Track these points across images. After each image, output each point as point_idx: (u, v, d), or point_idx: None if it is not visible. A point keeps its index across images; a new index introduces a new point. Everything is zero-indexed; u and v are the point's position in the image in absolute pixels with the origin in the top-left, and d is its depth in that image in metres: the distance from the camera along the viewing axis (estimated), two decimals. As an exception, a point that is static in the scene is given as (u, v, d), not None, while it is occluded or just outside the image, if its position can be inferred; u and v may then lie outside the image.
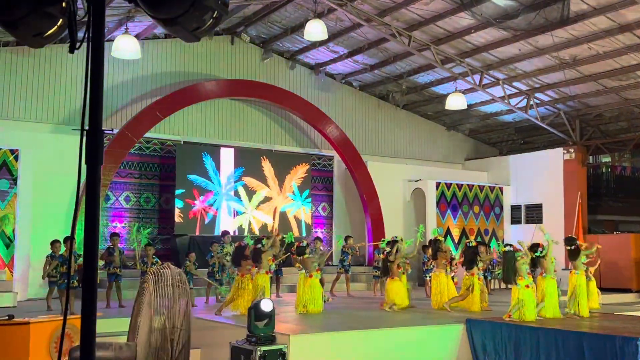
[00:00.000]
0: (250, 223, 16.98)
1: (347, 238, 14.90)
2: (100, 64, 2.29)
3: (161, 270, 4.67)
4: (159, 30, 15.71)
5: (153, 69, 16.23)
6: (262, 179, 17.34)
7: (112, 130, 14.95)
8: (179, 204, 16.02)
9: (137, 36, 14.52)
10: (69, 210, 14.24)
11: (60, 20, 2.38)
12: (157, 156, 16.28)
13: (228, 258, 12.61)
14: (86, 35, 2.35)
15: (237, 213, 16.90)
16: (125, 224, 15.65)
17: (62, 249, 11.47)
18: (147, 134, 15.69)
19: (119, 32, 14.13)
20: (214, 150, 16.62)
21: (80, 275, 11.74)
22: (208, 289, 12.80)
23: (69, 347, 6.03)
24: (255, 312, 7.52)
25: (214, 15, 2.35)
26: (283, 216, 17.57)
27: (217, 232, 15.88)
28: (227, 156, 16.83)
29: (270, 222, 17.28)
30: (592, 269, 11.80)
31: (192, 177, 16.25)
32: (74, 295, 10.30)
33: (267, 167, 17.44)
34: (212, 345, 8.90)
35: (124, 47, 13.61)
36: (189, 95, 16.10)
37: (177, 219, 15.93)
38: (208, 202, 16.46)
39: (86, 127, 2.32)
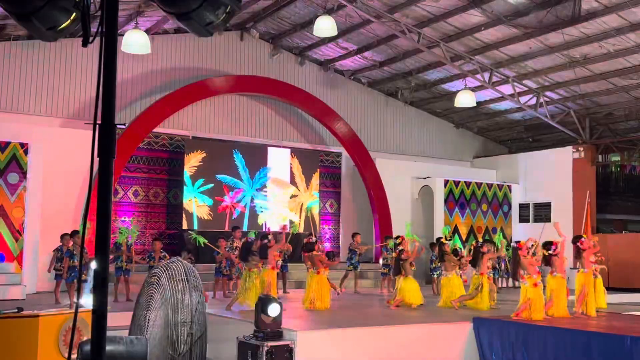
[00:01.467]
0: (276, 219, 17.30)
1: (354, 235, 14.89)
2: (114, 58, 2.29)
3: (170, 265, 4.67)
4: (169, 25, 15.73)
5: (162, 64, 16.25)
6: (290, 177, 17.66)
7: (124, 124, 14.99)
8: (207, 201, 16.32)
9: (146, 31, 14.54)
10: (78, 204, 14.30)
11: (74, 14, 2.38)
12: (165, 151, 16.32)
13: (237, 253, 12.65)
14: (99, 30, 2.35)
15: (264, 209, 17.23)
16: (133, 218, 15.70)
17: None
18: (156, 129, 15.73)
19: (128, 27, 14.15)
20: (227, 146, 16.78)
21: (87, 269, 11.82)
22: (215, 284, 12.83)
23: (77, 341, 6.05)
24: (263, 308, 7.53)
25: (227, 10, 2.35)
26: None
27: (245, 227, 16.22)
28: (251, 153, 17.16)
29: (296, 220, 17.60)
30: (598, 267, 11.72)
31: (221, 176, 16.59)
32: (82, 289, 10.36)
33: (295, 165, 17.77)
34: (218, 340, 8.91)
35: (133, 42, 13.62)
36: (198, 90, 16.13)
37: (205, 215, 16.17)
38: (237, 199, 16.79)
39: (99, 121, 2.32)
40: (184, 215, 16.03)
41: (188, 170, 16.16)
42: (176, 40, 16.33)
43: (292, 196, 17.71)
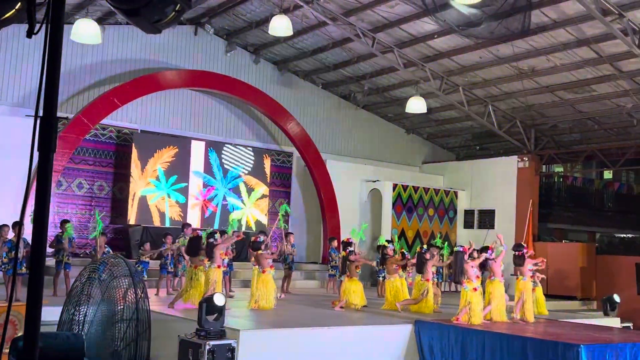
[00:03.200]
0: (248, 219, 17.45)
1: (287, 235, 14.87)
2: (58, 51, 2.25)
3: (112, 260, 4.59)
4: (121, 16, 15.43)
5: (113, 55, 15.94)
6: (262, 177, 17.90)
7: (66, 117, 14.62)
8: (180, 198, 16.35)
9: (98, 21, 14.23)
10: (17, 195, 13.86)
11: (19, 3, 2.33)
12: (112, 144, 16.00)
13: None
14: (44, 20, 2.30)
15: (235, 209, 17.33)
16: (76, 211, 15.35)
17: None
18: (104, 121, 15.42)
19: (79, 16, 13.83)
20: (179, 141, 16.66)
21: (27, 261, 11.52)
22: (159, 281, 12.66)
23: (12, 335, 5.89)
24: (207, 305, 7.48)
25: (176, 8, 2.33)
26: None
27: (216, 226, 16.12)
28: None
29: (264, 220, 17.76)
30: (539, 275, 12.09)
31: (196, 171, 16.69)
32: (20, 282, 10.07)
33: (268, 165, 18.05)
34: (160, 338, 8.79)
35: (83, 31, 13.31)
36: (149, 83, 15.88)
37: (176, 216, 16.16)
38: (209, 197, 16.85)
39: (40, 114, 2.28)
40: (155, 212, 15.96)
41: (161, 166, 16.16)
42: (128, 32, 16.02)
43: (263, 196, 17.87)
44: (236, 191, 17.39)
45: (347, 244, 12.27)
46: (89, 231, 15.12)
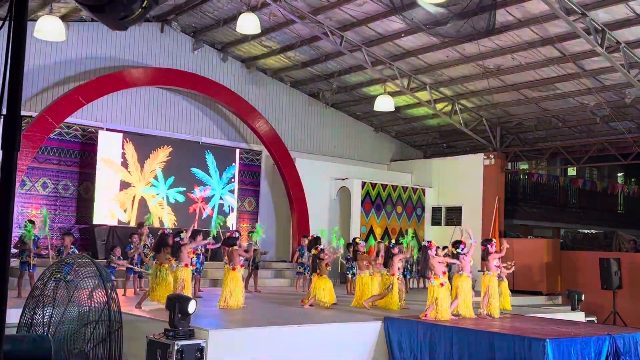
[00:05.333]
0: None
1: (249, 234, 14.87)
2: (22, 46, 2.21)
3: (79, 261, 4.52)
4: (87, 12, 15.20)
5: (78, 53, 15.69)
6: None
7: (31, 115, 14.36)
8: (180, 198, 16.52)
9: (62, 17, 13.99)
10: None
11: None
12: (77, 142, 15.76)
13: (146, 250, 12.40)
14: (7, 16, 2.26)
15: (232, 209, 17.65)
16: (41, 211, 15.07)
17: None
18: (68, 119, 15.17)
19: (43, 13, 13.58)
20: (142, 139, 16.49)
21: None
22: (126, 281, 12.52)
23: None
24: (179, 308, 7.40)
25: (143, 5, 2.30)
26: None
27: (213, 227, 16.19)
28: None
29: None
30: (505, 270, 12.23)
31: (194, 169, 16.89)
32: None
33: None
34: (127, 338, 8.68)
35: (47, 28, 13.07)
36: (114, 81, 15.66)
37: (171, 223, 16.06)
38: (206, 196, 17.04)
39: (4, 112, 2.24)
40: (154, 216, 15.88)
41: (159, 167, 16.31)
42: (93, 29, 15.79)
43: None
44: (233, 192, 17.67)
45: (316, 242, 12.28)
46: (53, 231, 14.87)
